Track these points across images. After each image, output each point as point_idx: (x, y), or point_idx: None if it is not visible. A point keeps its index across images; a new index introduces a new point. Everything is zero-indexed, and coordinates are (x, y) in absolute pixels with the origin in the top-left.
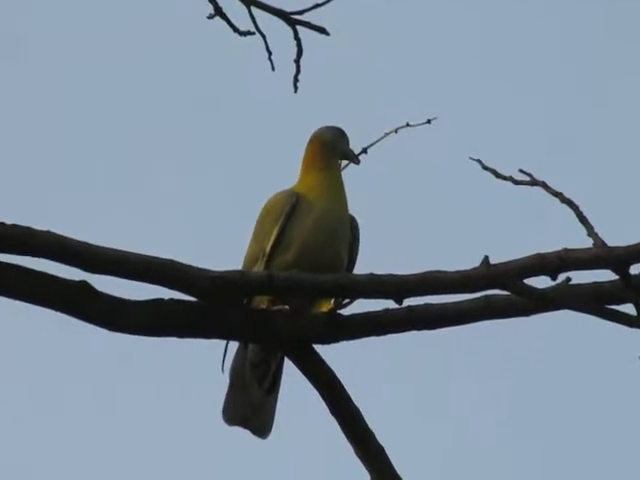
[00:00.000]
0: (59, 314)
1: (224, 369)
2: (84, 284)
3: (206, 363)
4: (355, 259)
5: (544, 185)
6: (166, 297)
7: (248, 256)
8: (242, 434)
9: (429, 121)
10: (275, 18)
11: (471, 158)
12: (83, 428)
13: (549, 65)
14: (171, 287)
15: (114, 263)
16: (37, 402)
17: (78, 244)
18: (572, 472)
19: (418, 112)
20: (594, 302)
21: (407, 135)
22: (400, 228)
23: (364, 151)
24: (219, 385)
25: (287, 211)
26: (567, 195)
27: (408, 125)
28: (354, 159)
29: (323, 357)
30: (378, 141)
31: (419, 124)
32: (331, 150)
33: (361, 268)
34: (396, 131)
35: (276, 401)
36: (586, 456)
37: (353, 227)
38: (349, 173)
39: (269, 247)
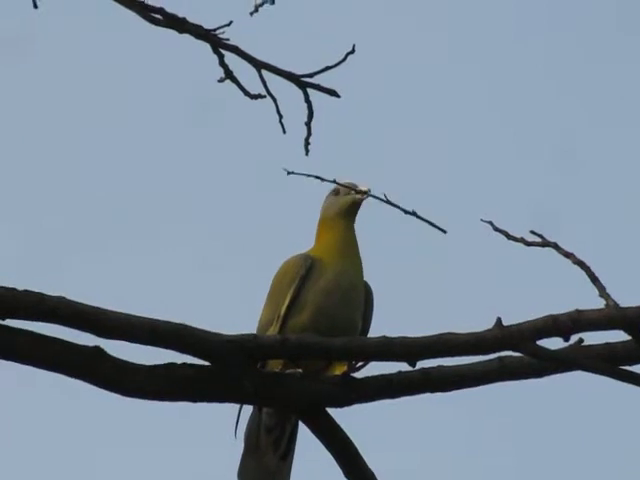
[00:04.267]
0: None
1: (237, 434)
2: (97, 350)
3: (220, 427)
4: (369, 324)
5: (556, 246)
6: (179, 361)
7: (262, 319)
8: None
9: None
10: (285, 81)
11: (482, 220)
12: None
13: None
14: (183, 351)
15: (125, 328)
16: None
17: (91, 310)
18: None
19: (430, 173)
20: (607, 363)
21: (418, 196)
22: (412, 290)
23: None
24: (234, 449)
25: (302, 274)
26: (578, 256)
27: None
28: (357, 197)
29: (337, 420)
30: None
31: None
32: (335, 218)
33: (375, 331)
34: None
35: (291, 465)
36: None
37: (367, 292)
38: (364, 236)
39: (283, 309)
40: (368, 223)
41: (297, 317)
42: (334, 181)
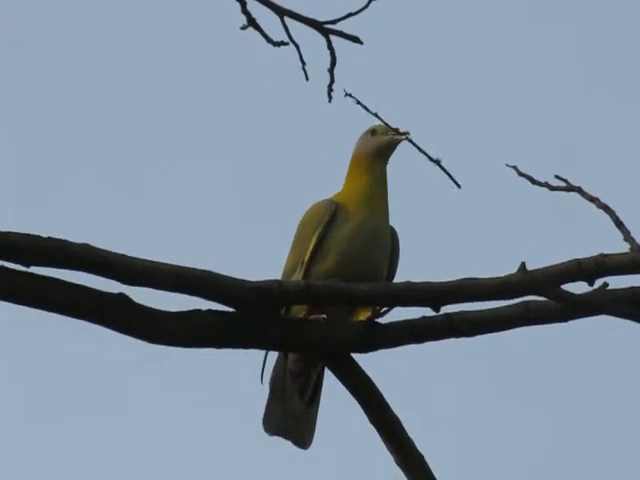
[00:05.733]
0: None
1: (263, 380)
2: (122, 297)
3: (246, 372)
4: (395, 270)
5: (580, 191)
6: (204, 308)
7: (287, 265)
8: (283, 444)
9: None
10: (308, 28)
11: (507, 165)
12: (121, 438)
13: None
14: (208, 298)
15: (151, 275)
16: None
17: (115, 256)
18: None
19: (452, 118)
20: (632, 307)
21: (442, 142)
22: (437, 235)
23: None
24: (259, 395)
25: (326, 220)
26: (603, 200)
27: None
28: (395, 139)
29: (362, 366)
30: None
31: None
32: (367, 158)
33: (399, 276)
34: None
35: (317, 411)
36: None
37: (393, 237)
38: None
39: (307, 255)
40: (395, 166)
41: (322, 263)
42: (376, 114)
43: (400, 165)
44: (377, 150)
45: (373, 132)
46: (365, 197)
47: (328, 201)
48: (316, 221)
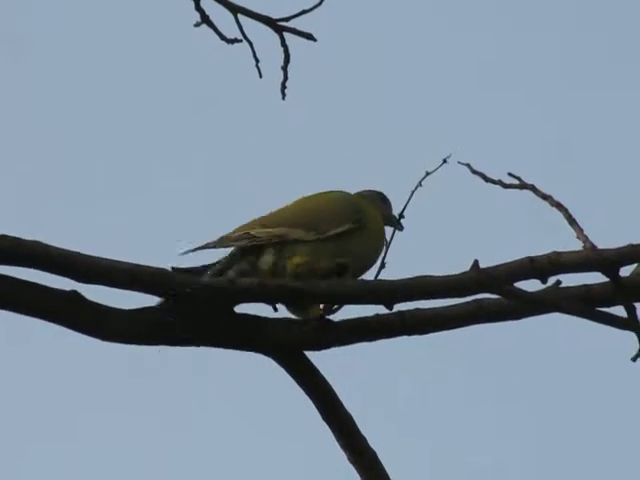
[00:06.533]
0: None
1: None
2: (75, 294)
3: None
4: None
5: (533, 188)
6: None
7: (287, 218)
8: None
9: (445, 160)
10: (262, 25)
11: (460, 162)
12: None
13: (540, 69)
14: (162, 295)
15: (104, 272)
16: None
17: (67, 254)
18: (563, 472)
19: (407, 118)
20: (584, 304)
21: (394, 138)
22: (388, 233)
23: (401, 216)
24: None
25: (360, 217)
26: (556, 198)
27: (427, 173)
28: (397, 225)
29: (314, 363)
30: (408, 202)
31: (435, 169)
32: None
33: None
34: (420, 184)
35: None
36: (578, 456)
37: None
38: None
39: (333, 232)
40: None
41: (333, 248)
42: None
43: (362, 164)
44: (386, 219)
45: (386, 202)
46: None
47: (358, 202)
48: (353, 211)
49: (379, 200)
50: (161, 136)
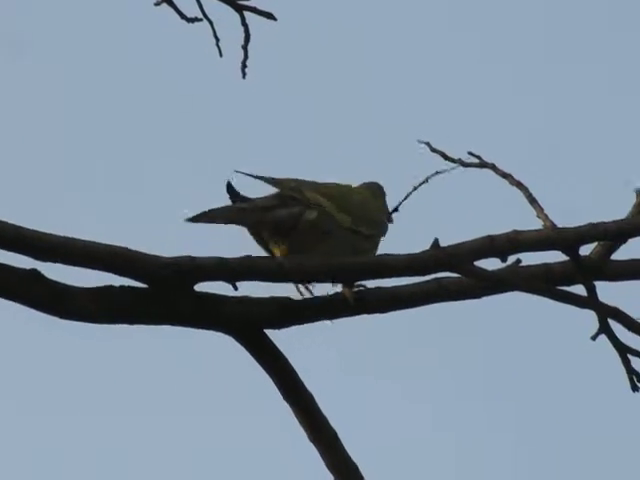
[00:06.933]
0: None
1: None
2: (34, 272)
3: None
4: None
5: (493, 167)
6: (117, 284)
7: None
8: None
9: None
10: (222, 4)
11: (419, 141)
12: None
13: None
14: (122, 274)
15: (64, 251)
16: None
17: (27, 232)
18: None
19: (366, 99)
20: (544, 283)
21: (355, 117)
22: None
23: (396, 210)
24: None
25: (379, 231)
26: (516, 177)
27: (427, 181)
28: (389, 219)
29: (275, 342)
30: (406, 198)
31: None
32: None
33: None
34: (427, 180)
35: None
36: (536, 439)
37: None
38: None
39: (365, 232)
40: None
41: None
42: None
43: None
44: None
45: (383, 195)
46: None
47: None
48: (381, 222)
49: (381, 195)
50: (122, 116)
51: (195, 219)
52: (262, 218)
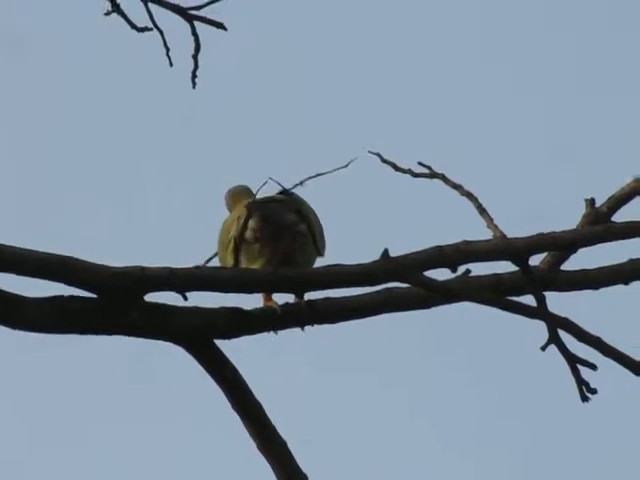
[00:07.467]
0: None
1: None
2: None
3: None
4: None
5: (443, 177)
6: (66, 294)
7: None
8: None
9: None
10: (173, 14)
11: (370, 152)
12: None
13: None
14: (70, 284)
15: (11, 260)
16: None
17: None
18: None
19: (317, 108)
20: (494, 294)
21: (303, 127)
22: None
23: (300, 183)
24: None
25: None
26: (467, 188)
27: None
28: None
29: (224, 352)
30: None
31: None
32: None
33: None
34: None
35: None
36: (483, 451)
37: None
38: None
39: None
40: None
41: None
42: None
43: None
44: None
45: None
46: None
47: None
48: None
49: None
50: (74, 125)
51: (256, 206)
52: (297, 228)
